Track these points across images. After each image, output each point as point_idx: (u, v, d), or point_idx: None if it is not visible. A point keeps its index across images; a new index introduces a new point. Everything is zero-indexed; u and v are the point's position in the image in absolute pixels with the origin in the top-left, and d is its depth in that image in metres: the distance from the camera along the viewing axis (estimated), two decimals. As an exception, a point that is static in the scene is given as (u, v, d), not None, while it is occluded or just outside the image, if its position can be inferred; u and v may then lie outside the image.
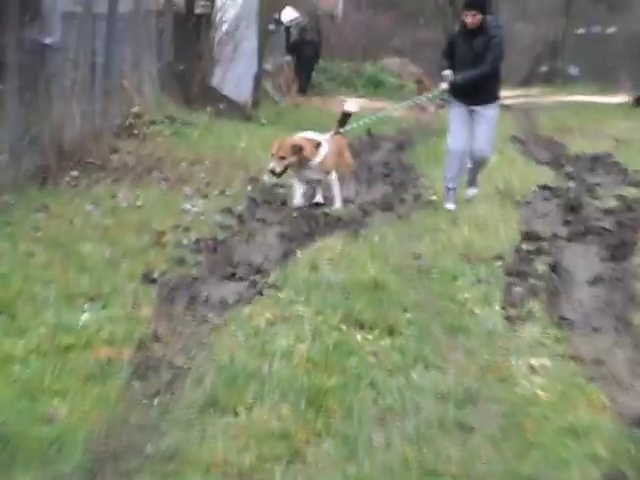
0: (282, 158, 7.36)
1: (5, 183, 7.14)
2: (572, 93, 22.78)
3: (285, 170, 7.48)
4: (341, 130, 8.15)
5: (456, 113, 8.20)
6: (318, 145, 7.65)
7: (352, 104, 8.58)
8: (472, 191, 8.57)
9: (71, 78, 8.45)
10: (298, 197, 7.74)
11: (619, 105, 19.49)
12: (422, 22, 26.22)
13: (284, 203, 8.18)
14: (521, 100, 20.87)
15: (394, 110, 13.22)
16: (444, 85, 8.05)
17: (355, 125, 8.91)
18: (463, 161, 8.30)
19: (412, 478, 3.26)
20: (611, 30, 24.41)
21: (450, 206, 8.18)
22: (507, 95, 16.43)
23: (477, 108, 8.06)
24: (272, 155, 7.50)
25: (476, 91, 7.89)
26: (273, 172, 7.46)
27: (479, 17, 7.74)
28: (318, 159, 7.57)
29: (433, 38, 22.98)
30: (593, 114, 17.53)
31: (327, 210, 7.84)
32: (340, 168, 8.05)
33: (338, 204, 7.79)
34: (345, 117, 8.28)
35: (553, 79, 26.82)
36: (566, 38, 27.50)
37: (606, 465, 3.38)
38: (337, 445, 3.48)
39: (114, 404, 3.74)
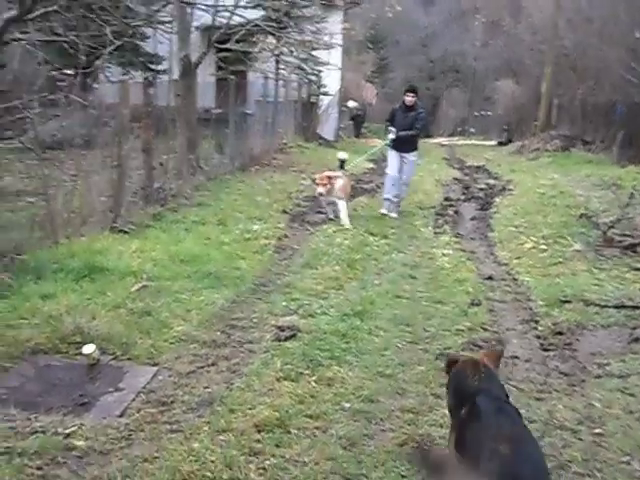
0: (324, 185, 10.05)
1: (227, 171, 12.98)
2: (471, 139, 40.51)
3: (328, 191, 10.12)
4: (347, 170, 11.26)
5: (392, 155, 11.16)
6: (337, 177, 10.34)
7: (342, 154, 11.64)
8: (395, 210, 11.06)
9: (257, 128, 15.29)
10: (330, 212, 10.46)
11: (491, 145, 33.21)
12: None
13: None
14: (449, 142, 36.56)
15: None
16: (392, 135, 10.85)
17: (369, 153, 14.12)
18: (395, 183, 10.99)
19: (388, 299, 6.74)
20: (488, 113, 47.47)
21: (383, 211, 10.91)
22: (443, 140, 38.67)
23: (405, 154, 11.08)
24: (317, 183, 10.22)
25: (406, 143, 10.94)
26: (321, 194, 10.16)
27: (415, 99, 10.88)
28: (337, 185, 10.21)
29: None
30: (479, 149, 29.64)
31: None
32: (347, 194, 10.56)
33: (345, 221, 9.98)
34: (342, 162, 11.10)
35: (464, 133, 49.64)
36: (469, 116, 53.55)
37: (472, 295, 6.96)
38: (358, 283, 7.19)
39: (266, 263, 7.91)
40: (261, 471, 3.64)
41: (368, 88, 44.21)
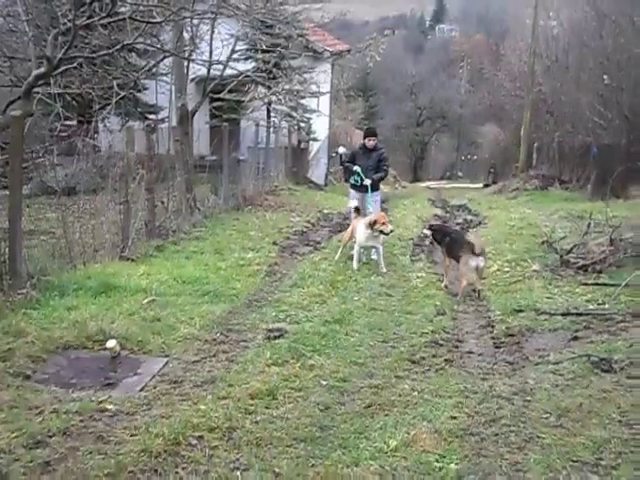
0: (387, 223, 9.88)
1: (221, 210, 13.96)
2: (459, 183, 43.44)
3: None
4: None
5: (353, 196, 11.18)
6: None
7: (354, 202, 10.99)
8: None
9: (250, 172, 16.36)
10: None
11: (477, 187, 35.03)
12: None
13: (331, 220, 15.13)
14: (436, 185, 38.93)
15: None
16: (367, 181, 10.74)
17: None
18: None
19: (364, 310, 7.84)
20: (474, 157, 53.26)
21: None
22: (431, 183, 43.75)
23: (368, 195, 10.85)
24: (382, 224, 9.80)
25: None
26: (390, 231, 10.00)
27: (375, 142, 10.99)
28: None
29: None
30: (464, 190, 32.09)
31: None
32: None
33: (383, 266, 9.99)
34: (357, 209, 10.74)
35: (452, 177, 53.50)
36: (457, 161, 58.48)
37: (439, 307, 8.03)
38: (339, 299, 8.25)
39: (258, 284, 8.96)
40: (254, 423, 4.65)
41: (357, 135, 45.86)
